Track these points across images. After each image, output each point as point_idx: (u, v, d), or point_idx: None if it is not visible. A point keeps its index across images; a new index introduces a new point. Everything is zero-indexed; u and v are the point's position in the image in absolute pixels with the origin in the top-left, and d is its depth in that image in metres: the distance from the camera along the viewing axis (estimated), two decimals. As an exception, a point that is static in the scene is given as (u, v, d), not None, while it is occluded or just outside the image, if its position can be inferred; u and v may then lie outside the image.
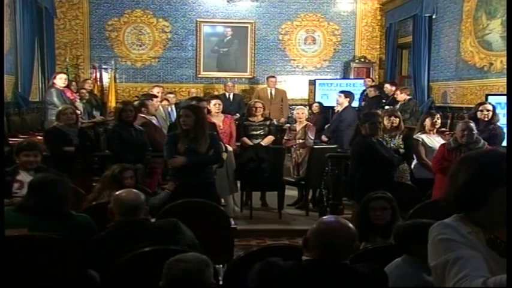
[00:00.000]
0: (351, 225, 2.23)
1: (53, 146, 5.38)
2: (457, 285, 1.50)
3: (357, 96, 9.28)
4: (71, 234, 2.91)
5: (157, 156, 5.55)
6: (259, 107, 6.70)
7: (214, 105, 6.32)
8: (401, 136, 5.52)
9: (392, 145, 5.42)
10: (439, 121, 5.84)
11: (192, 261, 2.11)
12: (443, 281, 1.57)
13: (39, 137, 6.40)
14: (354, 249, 2.18)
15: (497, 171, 1.62)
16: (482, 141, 5.05)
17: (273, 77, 10.90)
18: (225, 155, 5.64)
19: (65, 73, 9.03)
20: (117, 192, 3.09)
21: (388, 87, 9.70)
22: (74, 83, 9.93)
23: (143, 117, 6.04)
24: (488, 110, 5.81)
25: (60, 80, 8.18)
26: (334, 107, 9.03)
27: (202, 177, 4.68)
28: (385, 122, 5.49)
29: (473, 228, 1.63)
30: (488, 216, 1.62)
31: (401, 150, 5.45)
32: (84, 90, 9.56)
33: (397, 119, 5.59)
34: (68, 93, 8.40)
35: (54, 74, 8.62)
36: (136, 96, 9.25)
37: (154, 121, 6.46)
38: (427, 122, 5.73)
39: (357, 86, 10.66)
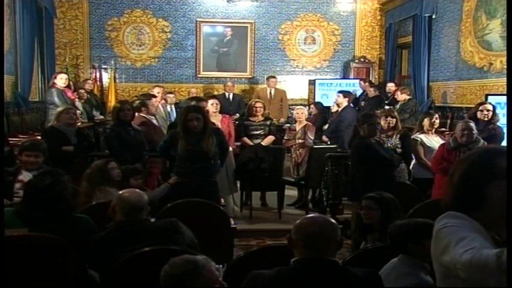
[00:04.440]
0: (331, 219, 2.27)
1: (52, 145, 5.36)
2: (467, 253, 1.44)
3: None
4: (72, 236, 2.89)
5: (155, 156, 5.56)
6: (260, 107, 6.71)
7: (212, 105, 6.31)
8: (398, 136, 5.53)
9: (389, 145, 5.43)
10: (437, 121, 5.84)
11: (181, 266, 2.08)
12: (452, 257, 1.52)
13: (39, 137, 6.40)
14: (338, 242, 2.15)
15: (489, 165, 1.61)
16: (481, 141, 5.04)
17: (274, 77, 10.88)
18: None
19: (65, 73, 9.04)
20: (120, 192, 3.09)
21: (388, 86, 9.87)
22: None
23: (143, 116, 6.06)
24: (488, 110, 5.81)
25: (61, 80, 8.19)
26: (330, 106, 9.02)
27: (206, 175, 4.69)
28: (382, 122, 5.49)
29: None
30: (490, 216, 1.59)
31: (399, 150, 5.46)
32: (82, 91, 9.57)
33: (394, 120, 5.59)
34: (69, 93, 8.42)
35: (55, 74, 8.62)
36: (135, 96, 9.24)
37: (154, 121, 6.47)
38: (426, 122, 5.72)
39: (357, 86, 10.68)
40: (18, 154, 4.25)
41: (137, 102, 6.36)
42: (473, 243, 1.48)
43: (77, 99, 8.78)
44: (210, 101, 6.39)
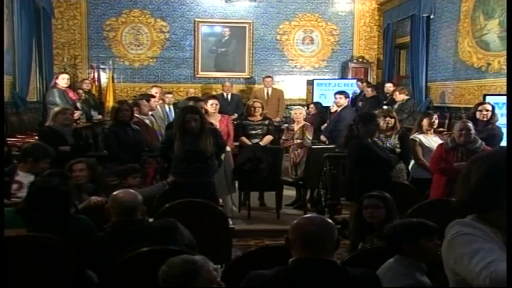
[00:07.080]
0: (328, 219, 2.29)
1: (48, 145, 5.34)
2: (483, 271, 1.45)
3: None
4: (71, 236, 2.89)
5: (148, 156, 5.57)
6: (258, 107, 6.71)
7: (211, 105, 6.31)
8: (397, 136, 5.53)
9: (388, 145, 5.43)
10: (436, 121, 5.84)
11: (179, 266, 2.08)
12: (467, 272, 1.52)
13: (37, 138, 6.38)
14: (335, 241, 2.16)
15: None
16: (479, 141, 5.01)
17: (269, 76, 10.90)
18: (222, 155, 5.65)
19: (67, 73, 9.04)
20: (114, 193, 3.07)
21: (387, 86, 9.93)
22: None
23: (136, 116, 6.06)
24: (487, 110, 5.79)
25: (63, 80, 8.22)
26: (329, 107, 9.02)
27: (203, 175, 4.70)
28: (381, 122, 5.48)
29: (492, 229, 1.60)
30: (505, 216, 1.58)
31: (398, 150, 5.46)
32: (80, 91, 9.56)
33: (393, 120, 5.60)
34: (70, 94, 8.43)
35: (56, 74, 8.65)
36: (134, 96, 9.23)
37: (147, 121, 6.48)
38: (425, 122, 5.71)
39: (355, 87, 10.68)
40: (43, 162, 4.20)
41: (129, 102, 6.37)
42: (488, 256, 1.48)
43: (77, 100, 8.78)
44: (210, 101, 6.39)
